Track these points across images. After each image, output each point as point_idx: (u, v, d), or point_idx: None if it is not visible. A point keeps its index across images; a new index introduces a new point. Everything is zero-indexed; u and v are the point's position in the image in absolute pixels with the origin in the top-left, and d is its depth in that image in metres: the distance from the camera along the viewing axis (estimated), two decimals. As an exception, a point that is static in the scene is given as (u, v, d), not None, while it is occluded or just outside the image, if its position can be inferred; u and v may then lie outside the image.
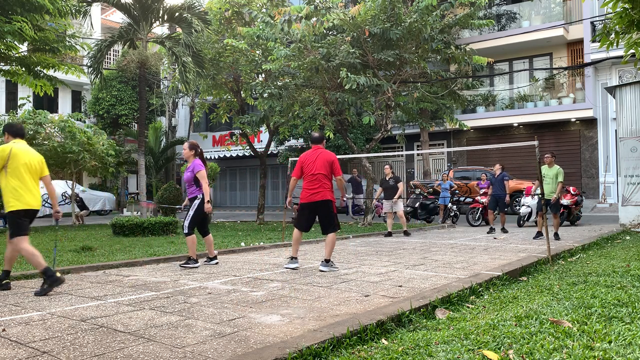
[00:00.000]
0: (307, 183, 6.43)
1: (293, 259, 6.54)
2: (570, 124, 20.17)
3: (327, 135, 15.81)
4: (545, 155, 9.88)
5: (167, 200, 16.08)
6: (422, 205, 15.30)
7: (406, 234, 11.76)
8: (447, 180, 15.59)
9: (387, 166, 12.02)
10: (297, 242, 6.59)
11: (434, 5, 11.95)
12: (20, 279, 5.88)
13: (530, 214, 13.45)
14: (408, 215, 14.87)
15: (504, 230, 11.81)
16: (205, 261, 7.08)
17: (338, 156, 15.55)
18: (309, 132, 20.72)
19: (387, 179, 11.71)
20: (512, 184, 12.88)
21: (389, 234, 11.54)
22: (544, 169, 9.71)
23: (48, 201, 20.22)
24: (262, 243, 9.45)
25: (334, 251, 8.51)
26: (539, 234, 9.88)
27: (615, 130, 14.05)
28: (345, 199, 6.88)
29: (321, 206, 6.38)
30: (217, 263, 7.04)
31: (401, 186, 11.65)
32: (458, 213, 15.40)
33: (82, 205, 17.38)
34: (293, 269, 6.44)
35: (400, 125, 18.35)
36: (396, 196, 11.50)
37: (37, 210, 5.29)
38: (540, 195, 9.02)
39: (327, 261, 6.34)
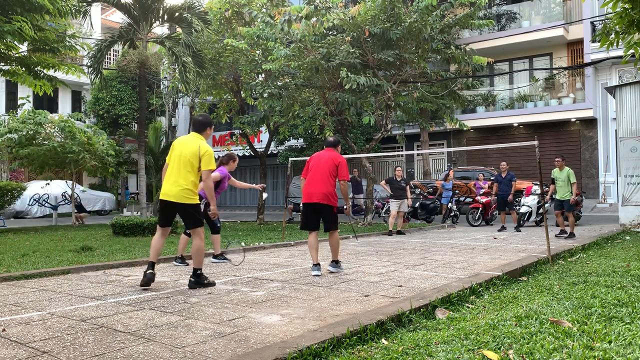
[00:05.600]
0: (308, 181, 6.20)
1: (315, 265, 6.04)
2: (570, 124, 20.16)
3: (327, 135, 15.80)
4: (556, 159, 10.42)
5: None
6: (422, 205, 15.30)
7: (399, 233, 12.05)
8: (449, 180, 15.63)
9: (398, 167, 12.59)
10: (312, 248, 6.14)
11: (434, 5, 11.95)
12: (20, 279, 5.88)
13: (530, 213, 13.45)
14: (408, 215, 14.87)
15: (517, 229, 12.13)
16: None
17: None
18: (309, 132, 20.75)
19: (398, 180, 12.14)
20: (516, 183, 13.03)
21: (400, 232, 12.01)
22: (555, 172, 10.40)
23: (47, 201, 20.25)
24: (262, 243, 9.45)
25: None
26: (562, 232, 10.41)
27: (615, 130, 14.05)
28: (345, 207, 6.55)
29: (321, 208, 6.13)
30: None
31: (407, 188, 12.29)
32: (458, 213, 15.39)
33: (80, 207, 17.36)
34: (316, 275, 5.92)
35: (400, 125, 18.34)
36: (409, 198, 12.23)
37: (169, 202, 5.16)
38: (551, 197, 10.29)
39: (336, 262, 6.22)
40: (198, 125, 5.36)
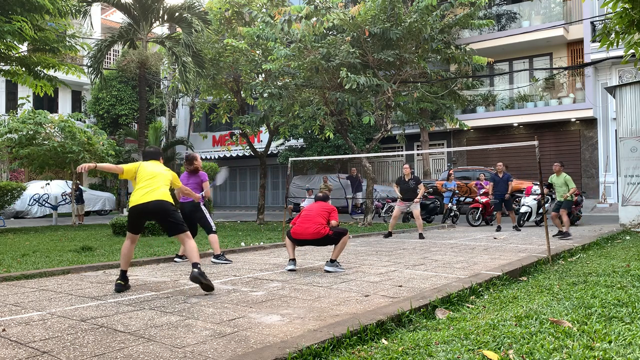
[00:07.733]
0: (301, 220, 6.44)
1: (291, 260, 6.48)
2: (570, 124, 20.16)
3: (327, 135, 15.82)
4: (555, 164, 10.58)
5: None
6: (422, 205, 15.28)
7: (421, 236, 10.70)
8: (451, 180, 15.64)
9: (406, 165, 11.23)
10: (289, 246, 6.55)
11: (434, 5, 11.94)
12: (20, 279, 5.88)
13: (530, 213, 13.45)
14: (408, 215, 14.86)
15: (516, 228, 12.14)
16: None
17: (338, 156, 15.45)
18: (309, 132, 20.77)
19: (407, 180, 10.93)
20: (512, 183, 13.10)
21: (421, 236, 10.71)
22: (553, 177, 10.53)
23: (47, 201, 20.26)
24: (262, 243, 9.45)
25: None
26: (560, 232, 10.25)
27: (615, 130, 14.05)
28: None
29: (316, 240, 6.35)
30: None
31: (422, 187, 11.11)
32: (458, 213, 15.39)
33: (79, 197, 17.30)
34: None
35: (400, 125, 18.34)
36: (418, 197, 10.90)
37: (152, 202, 5.24)
38: (549, 198, 10.55)
39: (332, 261, 6.29)
40: (154, 154, 5.69)
